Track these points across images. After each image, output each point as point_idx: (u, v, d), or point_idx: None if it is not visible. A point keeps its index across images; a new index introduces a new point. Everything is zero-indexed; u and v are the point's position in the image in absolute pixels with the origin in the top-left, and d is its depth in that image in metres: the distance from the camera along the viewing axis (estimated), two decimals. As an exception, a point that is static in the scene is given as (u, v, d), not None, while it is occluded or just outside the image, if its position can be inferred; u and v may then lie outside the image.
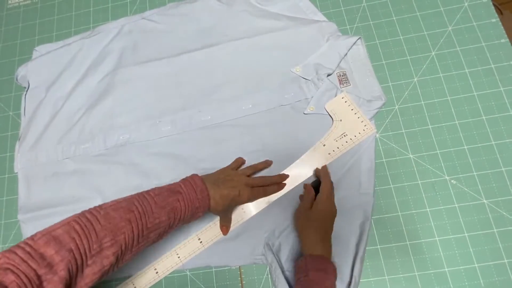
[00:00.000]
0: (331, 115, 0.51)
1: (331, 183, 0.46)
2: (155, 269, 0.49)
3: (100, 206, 0.36)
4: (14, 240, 0.55)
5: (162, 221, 0.37)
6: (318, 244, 0.42)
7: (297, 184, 0.49)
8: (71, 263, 0.30)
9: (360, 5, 0.59)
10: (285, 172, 0.50)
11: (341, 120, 0.51)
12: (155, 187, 0.40)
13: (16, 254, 0.29)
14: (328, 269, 0.40)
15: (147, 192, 0.39)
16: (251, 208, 0.49)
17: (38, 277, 0.28)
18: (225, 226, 0.49)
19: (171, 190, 0.40)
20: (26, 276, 0.28)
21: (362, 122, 0.50)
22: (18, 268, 0.28)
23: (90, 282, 0.32)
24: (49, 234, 0.31)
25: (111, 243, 0.33)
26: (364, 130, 0.50)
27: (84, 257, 0.32)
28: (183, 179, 0.43)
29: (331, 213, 0.44)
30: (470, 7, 0.56)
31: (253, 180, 0.47)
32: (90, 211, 0.35)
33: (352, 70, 0.55)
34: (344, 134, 0.50)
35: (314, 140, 0.51)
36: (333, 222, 0.44)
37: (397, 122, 0.52)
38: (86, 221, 0.33)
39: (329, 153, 0.50)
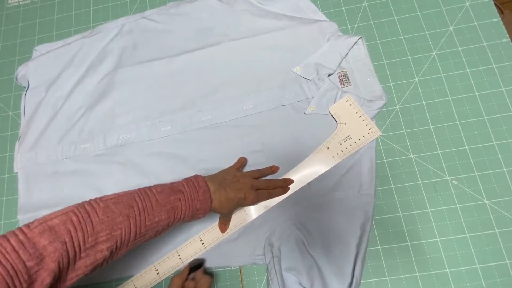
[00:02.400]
0: (335, 118, 0.51)
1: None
2: (156, 270, 0.49)
3: (100, 198, 0.36)
4: (14, 240, 0.55)
5: (161, 219, 0.37)
6: None
7: (300, 186, 0.49)
8: (63, 256, 0.30)
9: (361, 4, 0.59)
10: (289, 174, 0.50)
11: (345, 123, 0.51)
12: (158, 184, 0.40)
13: (9, 241, 0.29)
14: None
15: (150, 188, 0.39)
16: (253, 211, 0.49)
17: (27, 269, 0.28)
18: (223, 224, 0.48)
19: (173, 188, 0.40)
20: (13, 267, 0.27)
21: (366, 125, 0.50)
22: (6, 258, 0.27)
23: (81, 273, 0.32)
24: (45, 223, 0.31)
25: (106, 238, 0.33)
26: (368, 133, 0.50)
27: (77, 250, 0.31)
28: (186, 178, 0.42)
29: None
30: (471, 7, 0.56)
31: (258, 183, 0.47)
32: (90, 202, 0.35)
33: (353, 70, 0.54)
34: (349, 137, 0.50)
35: (315, 140, 0.51)
36: None
37: (398, 122, 0.52)
38: (84, 213, 0.33)
39: (333, 156, 0.50)
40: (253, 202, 0.46)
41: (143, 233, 0.36)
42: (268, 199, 0.48)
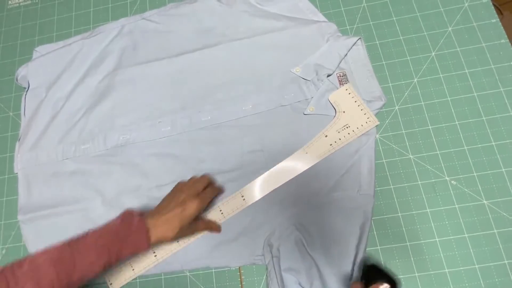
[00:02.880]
0: (334, 106, 0.51)
1: None
2: (154, 252, 0.49)
3: (28, 255, 0.37)
4: (14, 241, 0.55)
5: (92, 262, 0.37)
6: None
7: (299, 173, 0.49)
8: None
9: (360, 5, 0.59)
10: (287, 160, 0.50)
11: (344, 112, 0.51)
12: (90, 229, 0.40)
13: None
14: None
15: (78, 235, 0.39)
16: (253, 195, 0.50)
17: None
18: (211, 227, 0.48)
19: (105, 229, 0.40)
20: None
21: (365, 114, 0.50)
22: None
23: None
24: None
25: None
26: (366, 122, 0.50)
27: None
28: (119, 216, 0.42)
29: None
30: (470, 8, 0.56)
31: (197, 186, 0.46)
32: (17, 260, 0.36)
33: (352, 70, 0.55)
34: (347, 125, 0.50)
35: (314, 141, 0.51)
36: None
37: (397, 123, 0.52)
38: (8, 271, 0.34)
39: (331, 144, 0.50)
40: (199, 208, 0.44)
41: (78, 279, 0.36)
42: (217, 193, 0.49)
